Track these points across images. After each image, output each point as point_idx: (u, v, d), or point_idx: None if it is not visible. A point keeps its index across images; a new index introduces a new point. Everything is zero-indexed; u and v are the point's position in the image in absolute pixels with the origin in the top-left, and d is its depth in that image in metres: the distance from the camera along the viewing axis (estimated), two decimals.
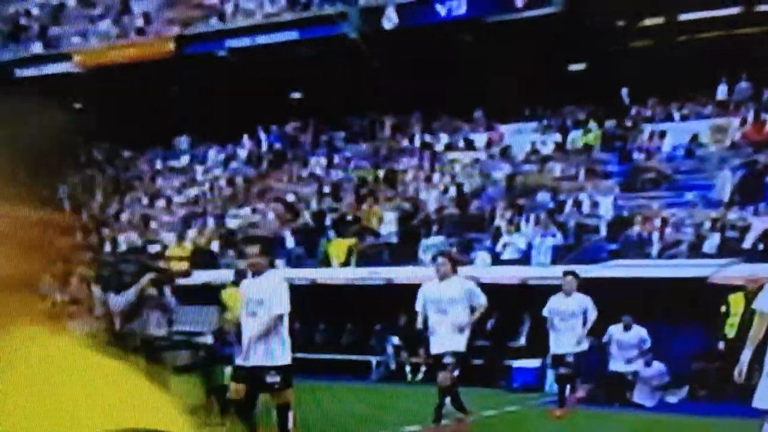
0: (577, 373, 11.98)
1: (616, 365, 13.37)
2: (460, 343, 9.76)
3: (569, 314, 11.65)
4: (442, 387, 9.93)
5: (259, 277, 8.24)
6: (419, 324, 10.12)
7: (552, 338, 11.88)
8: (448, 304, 9.76)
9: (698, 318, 13.31)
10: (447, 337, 9.74)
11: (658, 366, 13.31)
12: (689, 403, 12.90)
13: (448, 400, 10.03)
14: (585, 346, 11.81)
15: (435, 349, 9.95)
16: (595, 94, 21.33)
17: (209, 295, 13.26)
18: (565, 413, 11.48)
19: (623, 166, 18.78)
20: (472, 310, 9.84)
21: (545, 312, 11.86)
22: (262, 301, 8.10)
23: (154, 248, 18.38)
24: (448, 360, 9.77)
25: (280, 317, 8.13)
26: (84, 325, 8.77)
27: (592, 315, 11.71)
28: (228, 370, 11.27)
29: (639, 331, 13.39)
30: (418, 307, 10.05)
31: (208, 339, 11.56)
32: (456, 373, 9.84)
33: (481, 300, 9.90)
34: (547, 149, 20.16)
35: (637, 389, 13.19)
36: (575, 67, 23.17)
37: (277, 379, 8.20)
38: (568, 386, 11.93)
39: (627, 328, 13.41)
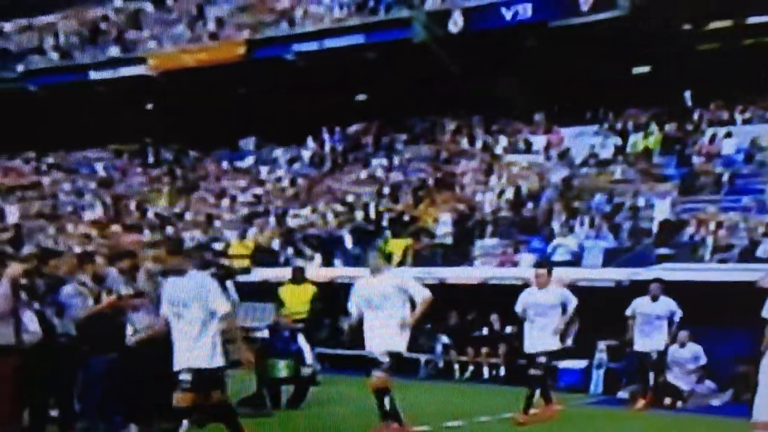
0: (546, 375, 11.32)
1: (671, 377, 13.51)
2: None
3: (547, 307, 11.10)
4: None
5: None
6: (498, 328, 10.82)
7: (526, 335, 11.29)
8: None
9: (745, 322, 13.51)
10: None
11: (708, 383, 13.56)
12: (733, 405, 13.12)
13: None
14: (557, 344, 11.20)
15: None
16: (657, 97, 21.60)
17: (267, 291, 14.07)
18: (528, 420, 10.89)
19: (681, 169, 18.97)
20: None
21: (518, 307, 11.33)
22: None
23: (217, 246, 19.18)
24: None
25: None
26: (146, 317, 9.52)
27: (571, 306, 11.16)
28: (281, 363, 12.04)
29: (694, 348, 13.51)
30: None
31: (264, 333, 12.28)
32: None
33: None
34: (607, 153, 20.48)
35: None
36: (639, 69, 23.42)
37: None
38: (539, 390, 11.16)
39: (682, 345, 13.51)
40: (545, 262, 13.16)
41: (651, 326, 12.71)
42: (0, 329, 7.69)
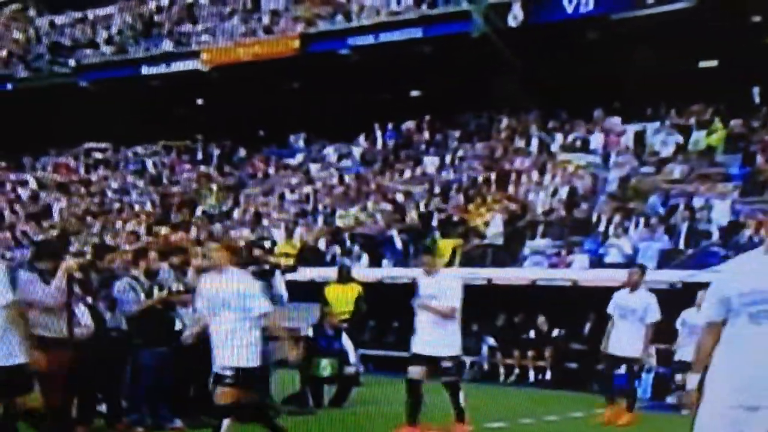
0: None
1: None
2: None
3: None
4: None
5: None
6: (546, 330, 11.41)
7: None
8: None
9: None
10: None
11: None
12: None
13: None
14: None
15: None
16: (723, 93, 21.71)
17: (313, 291, 14.73)
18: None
19: (744, 169, 19.18)
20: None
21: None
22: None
23: (264, 244, 19.78)
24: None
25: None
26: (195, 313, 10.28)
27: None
28: (324, 362, 12.70)
29: None
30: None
31: (309, 332, 12.90)
32: None
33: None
34: (667, 151, 20.77)
35: None
36: (705, 64, 23.54)
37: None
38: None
39: None
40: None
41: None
42: (53, 322, 8.13)
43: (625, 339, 11.48)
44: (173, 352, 10.04)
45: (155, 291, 10.22)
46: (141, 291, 10.10)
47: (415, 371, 9.84)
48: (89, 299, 9.60)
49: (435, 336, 9.78)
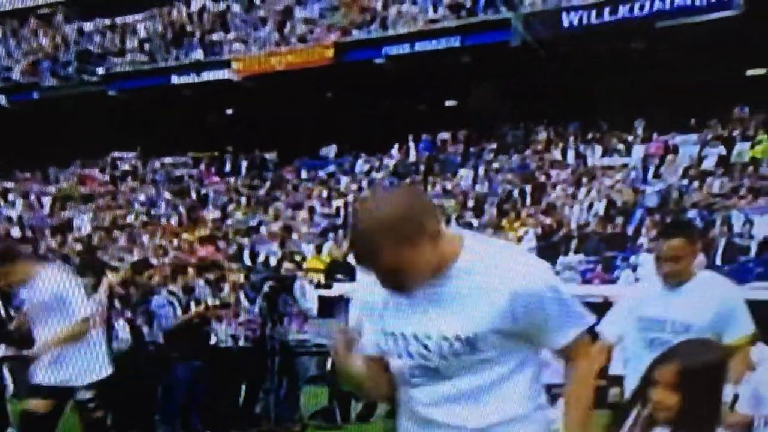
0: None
1: None
2: None
3: None
4: None
5: None
6: None
7: None
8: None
9: None
10: None
11: None
12: None
13: None
14: None
15: None
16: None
17: (342, 306, 15.64)
18: None
19: None
20: None
21: None
22: None
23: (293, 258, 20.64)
24: None
25: None
26: (229, 328, 11.42)
27: None
28: None
29: None
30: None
31: None
32: None
33: None
34: (709, 163, 21.53)
35: None
36: (753, 72, 24.22)
37: None
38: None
39: None
40: None
41: None
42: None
43: None
44: (207, 366, 11.10)
45: (192, 306, 11.26)
46: (178, 306, 11.10)
47: None
48: (128, 314, 10.66)
49: None
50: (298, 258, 17.94)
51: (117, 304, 9.83)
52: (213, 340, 11.31)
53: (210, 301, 11.48)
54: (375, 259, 2.85)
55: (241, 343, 11.97)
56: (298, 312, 12.74)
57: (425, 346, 3.02)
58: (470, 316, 2.96)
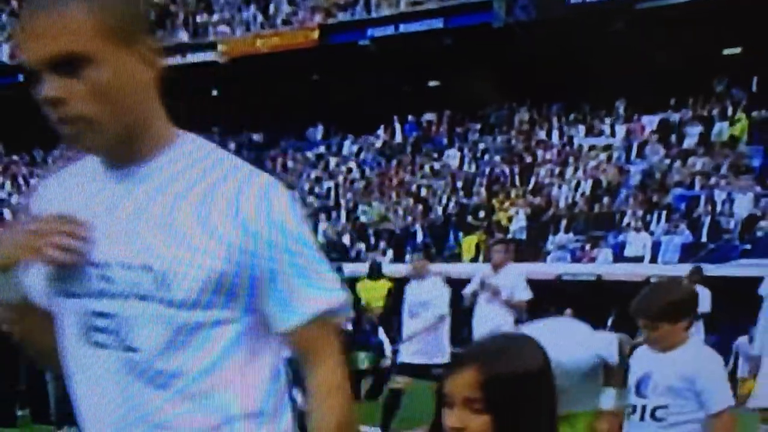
0: None
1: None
2: None
3: None
4: None
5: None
6: None
7: None
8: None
9: None
10: None
11: None
12: None
13: None
14: None
15: None
16: (748, 81, 22.93)
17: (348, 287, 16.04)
18: None
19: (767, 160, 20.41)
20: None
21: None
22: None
23: None
24: None
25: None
26: None
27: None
28: (362, 355, 14.06)
29: None
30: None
31: (348, 326, 14.21)
32: None
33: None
34: (690, 142, 22.03)
35: None
36: (729, 51, 24.68)
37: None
38: None
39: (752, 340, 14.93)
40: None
41: None
42: None
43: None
44: None
45: None
46: None
47: (400, 381, 9.95)
48: None
49: (424, 343, 9.57)
50: None
51: None
52: None
53: None
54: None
55: None
56: None
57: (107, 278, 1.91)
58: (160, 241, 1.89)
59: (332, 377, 2.03)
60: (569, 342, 4.89)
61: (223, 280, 1.90)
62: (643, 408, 4.15)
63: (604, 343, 5.38)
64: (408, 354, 9.84)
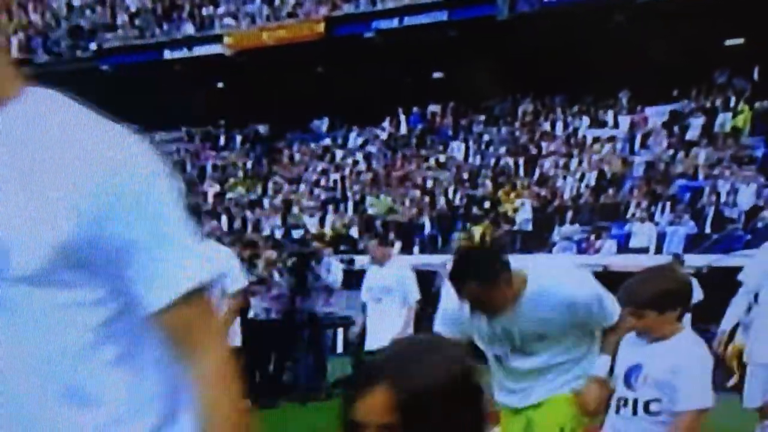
0: None
1: None
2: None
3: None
4: None
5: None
6: None
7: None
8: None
9: None
10: None
11: None
12: None
13: None
14: None
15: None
16: (750, 72, 23.10)
17: (351, 279, 16.26)
18: None
19: None
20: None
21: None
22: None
23: (297, 233, 21.12)
24: None
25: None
26: (263, 302, 12.01)
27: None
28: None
29: None
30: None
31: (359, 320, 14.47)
32: None
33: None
34: (693, 133, 22.25)
35: None
36: (732, 42, 24.88)
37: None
38: None
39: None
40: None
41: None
42: None
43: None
44: (243, 339, 11.73)
45: None
46: None
47: None
48: None
49: (393, 332, 8.78)
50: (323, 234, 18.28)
51: None
52: (251, 314, 11.85)
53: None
54: None
55: (272, 315, 12.51)
56: (324, 286, 13.28)
57: None
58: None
59: (214, 366, 1.74)
60: (571, 278, 4.46)
61: (73, 252, 1.63)
62: (635, 401, 3.93)
63: (607, 294, 4.57)
64: (376, 342, 9.17)
